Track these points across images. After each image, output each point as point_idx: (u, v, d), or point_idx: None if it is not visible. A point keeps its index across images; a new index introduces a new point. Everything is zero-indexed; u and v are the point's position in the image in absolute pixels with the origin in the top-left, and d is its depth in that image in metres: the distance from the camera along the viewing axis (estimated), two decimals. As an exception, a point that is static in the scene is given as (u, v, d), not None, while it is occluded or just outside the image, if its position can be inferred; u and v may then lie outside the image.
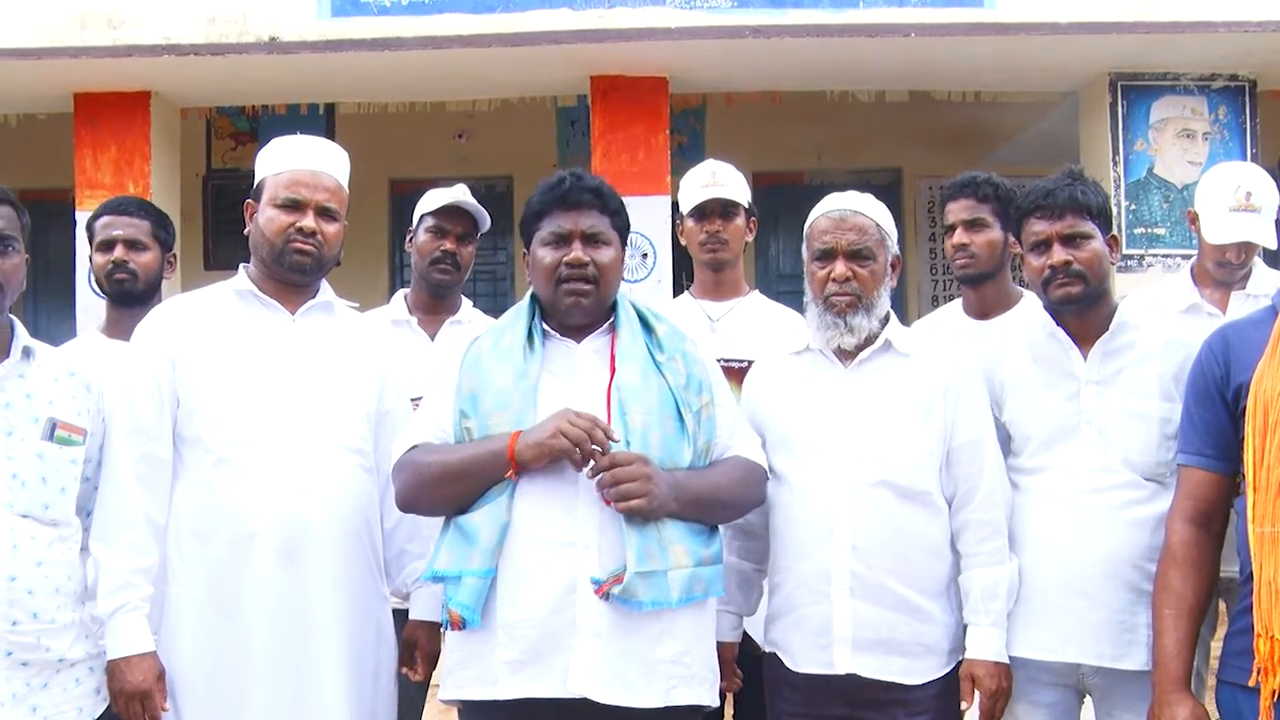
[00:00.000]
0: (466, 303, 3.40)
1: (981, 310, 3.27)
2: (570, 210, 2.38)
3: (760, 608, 2.67)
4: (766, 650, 2.59)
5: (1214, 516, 2.27)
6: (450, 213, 3.27)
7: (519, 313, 2.44)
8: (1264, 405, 2.09)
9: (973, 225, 3.21)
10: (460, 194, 3.27)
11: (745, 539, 2.65)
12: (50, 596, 2.28)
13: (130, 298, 3.08)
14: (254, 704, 2.40)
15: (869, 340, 2.52)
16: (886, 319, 2.55)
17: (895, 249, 2.58)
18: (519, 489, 2.24)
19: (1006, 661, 2.45)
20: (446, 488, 2.28)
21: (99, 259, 3.12)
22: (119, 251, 3.08)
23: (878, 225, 2.53)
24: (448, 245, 3.26)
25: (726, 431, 2.43)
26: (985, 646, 2.44)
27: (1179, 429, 2.34)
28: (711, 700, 2.36)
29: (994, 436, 2.54)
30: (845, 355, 2.54)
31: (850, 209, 2.54)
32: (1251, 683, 2.07)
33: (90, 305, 6.82)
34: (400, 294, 3.41)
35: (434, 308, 3.32)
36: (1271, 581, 2.04)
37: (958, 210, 3.23)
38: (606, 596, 2.19)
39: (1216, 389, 2.23)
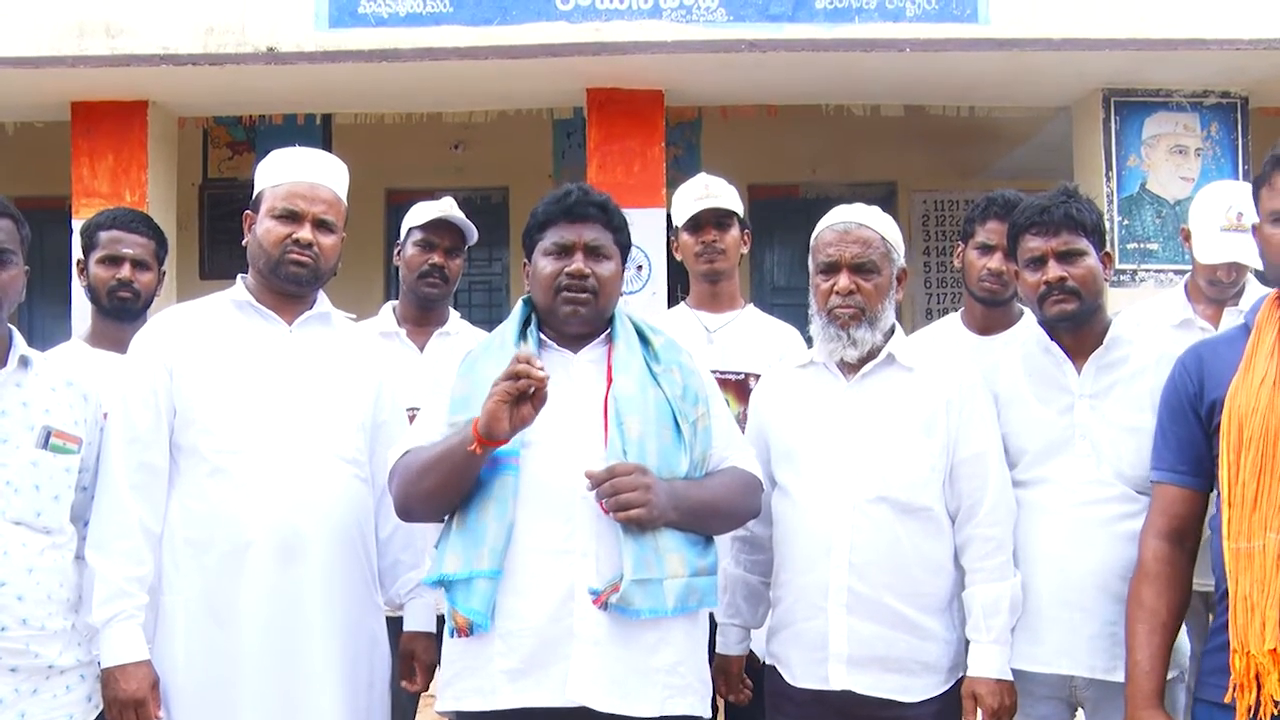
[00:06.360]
0: (455, 314, 3.40)
1: (985, 326, 3.25)
2: (575, 223, 2.39)
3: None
4: (767, 663, 2.59)
5: (1187, 533, 2.27)
6: (438, 226, 3.27)
7: (511, 319, 2.45)
8: (1238, 422, 2.09)
9: None
10: (448, 207, 3.27)
11: (752, 552, 2.66)
12: (41, 603, 2.29)
13: (128, 314, 3.09)
14: (247, 713, 2.40)
15: (873, 354, 2.52)
16: (891, 332, 2.55)
17: (901, 262, 2.58)
18: (520, 495, 2.24)
19: (1010, 679, 2.43)
20: (426, 480, 2.26)
21: (101, 272, 3.08)
22: (126, 271, 3.08)
23: (883, 238, 2.53)
24: (436, 259, 3.26)
25: (722, 442, 2.43)
26: (987, 664, 2.42)
27: (1153, 446, 2.33)
28: (704, 711, 2.36)
29: (999, 451, 2.52)
30: (848, 369, 2.54)
31: (855, 221, 2.54)
32: (1227, 699, 2.06)
33: (86, 313, 6.82)
34: (388, 306, 3.42)
35: (422, 320, 3.33)
36: (1247, 597, 2.04)
37: (1003, 234, 2.97)
38: (605, 606, 2.19)
39: (1190, 405, 2.23)
